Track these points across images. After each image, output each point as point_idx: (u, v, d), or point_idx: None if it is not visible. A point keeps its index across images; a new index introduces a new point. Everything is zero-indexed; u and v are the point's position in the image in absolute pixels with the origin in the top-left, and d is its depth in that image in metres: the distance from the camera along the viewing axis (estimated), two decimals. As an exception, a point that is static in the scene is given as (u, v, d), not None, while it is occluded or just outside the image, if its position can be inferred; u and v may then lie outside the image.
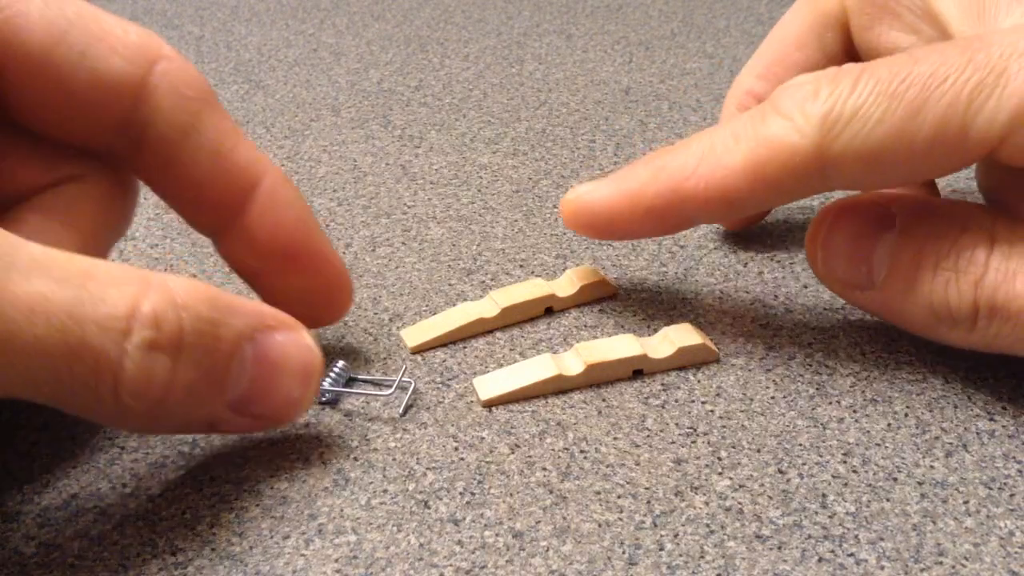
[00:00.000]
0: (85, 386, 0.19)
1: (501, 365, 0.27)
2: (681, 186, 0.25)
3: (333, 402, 0.26)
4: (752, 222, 0.34)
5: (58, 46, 0.22)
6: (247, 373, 0.21)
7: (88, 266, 0.19)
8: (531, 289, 0.29)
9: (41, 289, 0.18)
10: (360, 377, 0.27)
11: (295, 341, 0.22)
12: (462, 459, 0.24)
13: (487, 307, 0.29)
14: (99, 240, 0.24)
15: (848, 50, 0.31)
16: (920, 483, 0.23)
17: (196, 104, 0.23)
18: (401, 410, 0.25)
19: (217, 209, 0.24)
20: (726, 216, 0.28)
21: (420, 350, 0.28)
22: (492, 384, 0.26)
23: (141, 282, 0.20)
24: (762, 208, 0.26)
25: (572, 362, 0.26)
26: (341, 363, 0.26)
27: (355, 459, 0.24)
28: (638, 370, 0.26)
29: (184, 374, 0.20)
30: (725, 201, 0.25)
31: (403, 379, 0.26)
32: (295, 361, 0.22)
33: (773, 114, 0.24)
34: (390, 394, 0.26)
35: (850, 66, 0.23)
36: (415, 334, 0.28)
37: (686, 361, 0.27)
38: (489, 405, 0.26)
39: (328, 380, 0.26)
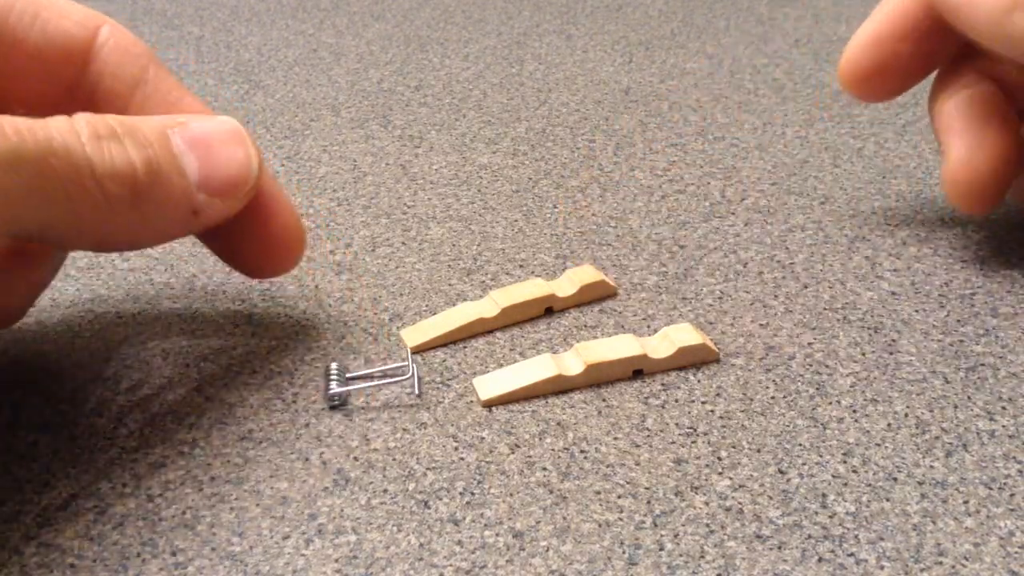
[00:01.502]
0: (68, 180, 0.21)
1: (501, 365, 0.27)
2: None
3: (343, 403, 0.26)
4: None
5: (11, 12, 0.24)
6: (191, 156, 0.24)
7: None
8: (531, 289, 0.29)
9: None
10: (358, 374, 0.27)
11: (206, 120, 0.25)
12: (462, 459, 0.24)
13: (487, 307, 0.29)
14: None
15: None
16: (920, 483, 0.23)
17: (142, 59, 0.26)
18: (416, 391, 0.25)
19: None
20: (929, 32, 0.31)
21: (420, 350, 0.28)
22: (492, 384, 0.26)
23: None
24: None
25: (572, 362, 0.26)
26: (335, 364, 0.26)
27: (355, 459, 0.24)
28: (638, 370, 0.26)
29: (136, 153, 0.22)
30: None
31: (406, 365, 0.26)
32: (220, 131, 0.24)
33: None
34: (407, 378, 0.26)
35: None
36: (415, 334, 0.28)
37: (686, 361, 0.27)
38: (489, 405, 0.26)
39: (334, 383, 0.26)
